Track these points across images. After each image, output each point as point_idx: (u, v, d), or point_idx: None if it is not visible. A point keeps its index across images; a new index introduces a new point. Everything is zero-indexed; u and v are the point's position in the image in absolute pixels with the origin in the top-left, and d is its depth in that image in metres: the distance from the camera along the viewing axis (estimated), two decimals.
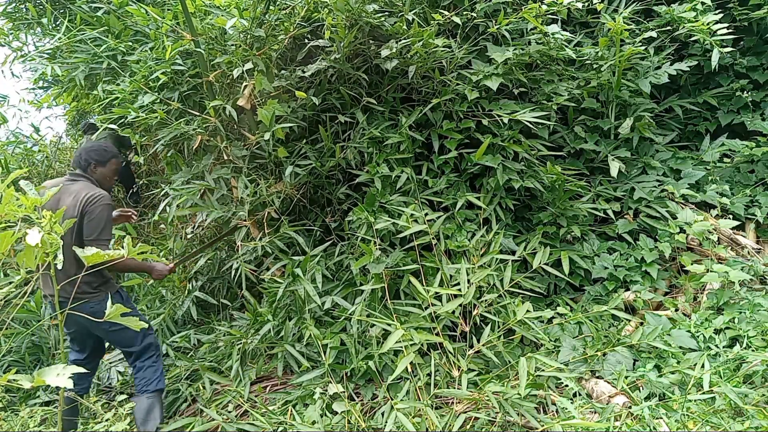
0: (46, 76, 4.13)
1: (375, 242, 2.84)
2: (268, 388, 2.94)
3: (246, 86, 3.27)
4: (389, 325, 2.55)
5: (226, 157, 3.47)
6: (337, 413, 2.55)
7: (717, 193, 3.23)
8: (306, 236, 3.34)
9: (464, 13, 3.20)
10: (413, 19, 3.12)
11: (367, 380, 2.76)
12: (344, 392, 2.65)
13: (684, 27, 3.18)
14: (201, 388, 2.95)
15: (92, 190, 2.50)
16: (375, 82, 3.40)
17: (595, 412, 2.27)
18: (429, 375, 2.50)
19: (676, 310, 2.81)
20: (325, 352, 2.78)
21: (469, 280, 2.68)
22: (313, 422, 2.50)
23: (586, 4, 3.20)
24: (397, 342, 2.38)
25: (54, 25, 4.37)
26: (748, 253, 3.03)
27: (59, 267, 1.71)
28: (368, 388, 2.72)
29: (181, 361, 3.18)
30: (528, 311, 2.57)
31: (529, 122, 3.08)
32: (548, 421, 2.22)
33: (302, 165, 3.31)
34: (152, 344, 2.75)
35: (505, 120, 3.06)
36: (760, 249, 3.12)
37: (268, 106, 3.04)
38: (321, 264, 3.09)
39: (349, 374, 2.76)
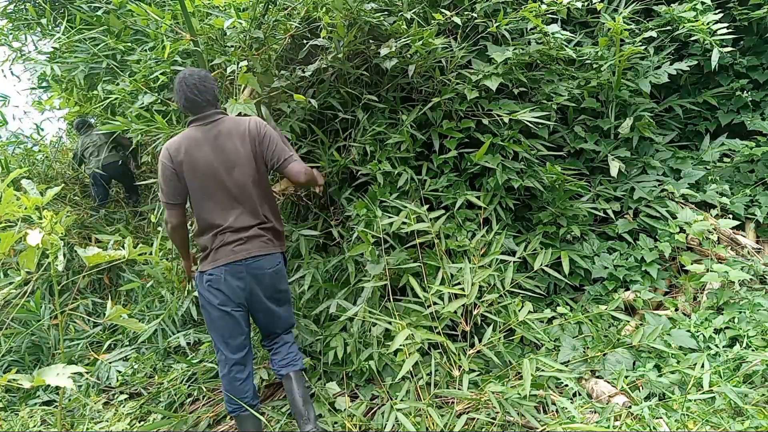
0: (45, 76, 4.12)
1: (373, 235, 2.82)
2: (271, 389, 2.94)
3: (245, 86, 3.26)
4: (390, 324, 2.55)
5: None
6: (340, 411, 2.55)
7: (717, 192, 3.23)
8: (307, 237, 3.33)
9: (464, 12, 3.20)
10: (413, 19, 3.11)
11: (367, 380, 2.76)
12: (344, 392, 2.65)
13: (684, 27, 3.18)
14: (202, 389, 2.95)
15: (247, 118, 2.33)
16: (375, 81, 3.40)
17: (595, 412, 2.27)
18: (429, 375, 2.50)
19: (676, 310, 2.81)
20: (325, 353, 2.78)
21: (470, 280, 2.68)
22: (319, 415, 2.50)
23: (586, 3, 3.20)
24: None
25: (54, 26, 4.37)
26: (748, 252, 3.03)
27: (60, 268, 1.70)
28: (368, 388, 2.72)
29: (179, 364, 3.18)
30: (529, 312, 2.57)
31: (529, 122, 3.08)
32: (548, 421, 2.22)
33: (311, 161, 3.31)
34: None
35: (505, 120, 3.05)
36: (760, 249, 3.12)
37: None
38: (322, 266, 3.07)
39: (349, 374, 2.76)
